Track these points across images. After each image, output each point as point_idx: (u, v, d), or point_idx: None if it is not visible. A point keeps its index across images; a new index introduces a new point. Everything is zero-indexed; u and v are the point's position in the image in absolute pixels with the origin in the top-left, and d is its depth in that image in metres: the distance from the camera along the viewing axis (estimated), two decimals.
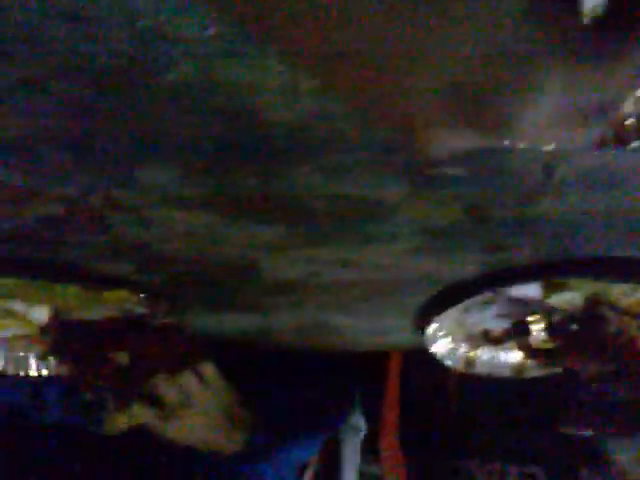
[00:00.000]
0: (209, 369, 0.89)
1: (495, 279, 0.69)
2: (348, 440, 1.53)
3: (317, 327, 0.86)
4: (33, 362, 0.87)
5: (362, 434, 1.54)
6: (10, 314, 0.73)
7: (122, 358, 0.84)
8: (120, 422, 0.99)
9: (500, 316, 0.89)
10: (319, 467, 1.41)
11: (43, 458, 1.05)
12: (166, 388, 0.87)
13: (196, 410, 0.90)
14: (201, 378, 0.89)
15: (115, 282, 0.68)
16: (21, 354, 0.86)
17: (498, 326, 0.91)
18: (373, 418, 1.38)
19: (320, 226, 0.58)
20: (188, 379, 0.88)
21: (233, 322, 0.83)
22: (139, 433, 1.00)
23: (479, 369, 0.97)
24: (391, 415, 1.27)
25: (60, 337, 0.81)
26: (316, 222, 0.56)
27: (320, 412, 1.14)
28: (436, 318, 0.82)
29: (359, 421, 1.56)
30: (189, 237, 0.59)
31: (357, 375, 1.16)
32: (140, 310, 0.77)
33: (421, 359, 1.20)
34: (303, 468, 1.27)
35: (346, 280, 0.73)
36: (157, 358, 0.86)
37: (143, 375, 0.87)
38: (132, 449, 1.06)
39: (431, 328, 0.85)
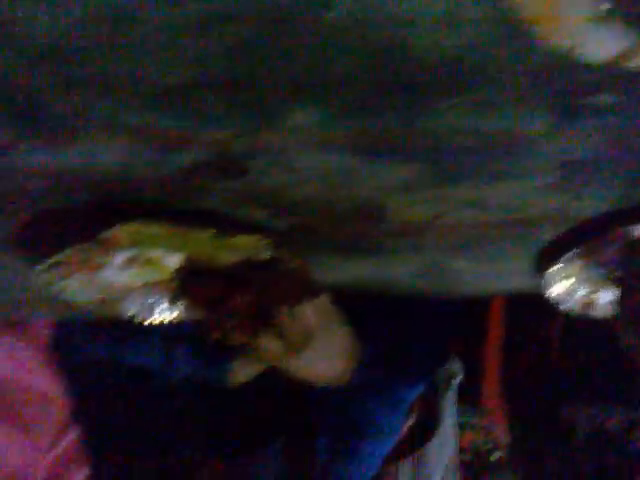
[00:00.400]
0: (327, 303, 0.91)
1: (631, 216, 0.67)
2: (444, 389, 1.54)
3: (436, 271, 0.86)
4: (164, 308, 0.92)
5: (457, 382, 1.55)
6: (148, 262, 0.77)
7: (248, 298, 0.87)
8: (246, 371, 1.03)
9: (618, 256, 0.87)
10: (416, 416, 1.43)
11: (172, 416, 1.11)
12: (289, 324, 0.89)
13: (316, 345, 0.92)
14: (320, 312, 0.90)
15: (247, 228, 0.70)
16: (152, 300, 0.91)
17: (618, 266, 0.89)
18: (473, 366, 1.38)
19: (454, 164, 0.57)
20: (308, 313, 0.89)
21: (353, 267, 0.84)
22: (261, 381, 1.04)
23: (596, 312, 0.95)
24: (492, 362, 1.27)
25: (190, 281, 0.84)
26: (452, 159, 0.56)
27: (425, 355, 1.15)
28: (560, 259, 0.81)
29: (455, 368, 1.56)
30: (323, 180, 0.60)
31: (460, 320, 1.16)
32: (267, 255, 0.79)
33: (526, 303, 1.18)
34: (409, 411, 1.29)
35: (471, 221, 0.73)
36: (281, 298, 0.89)
37: (268, 315, 0.89)
38: (255, 400, 1.11)
39: (553, 270, 0.83)
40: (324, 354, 0.94)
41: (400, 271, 0.86)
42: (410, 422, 1.40)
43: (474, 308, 1.18)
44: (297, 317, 0.88)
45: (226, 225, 0.69)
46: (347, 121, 0.48)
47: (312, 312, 0.89)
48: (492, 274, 0.88)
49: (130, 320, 0.90)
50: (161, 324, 0.92)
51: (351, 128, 0.50)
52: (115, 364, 1.06)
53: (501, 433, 1.29)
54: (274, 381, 0.99)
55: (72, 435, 1.58)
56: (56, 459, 1.74)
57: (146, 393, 1.09)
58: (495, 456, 2.20)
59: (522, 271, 0.87)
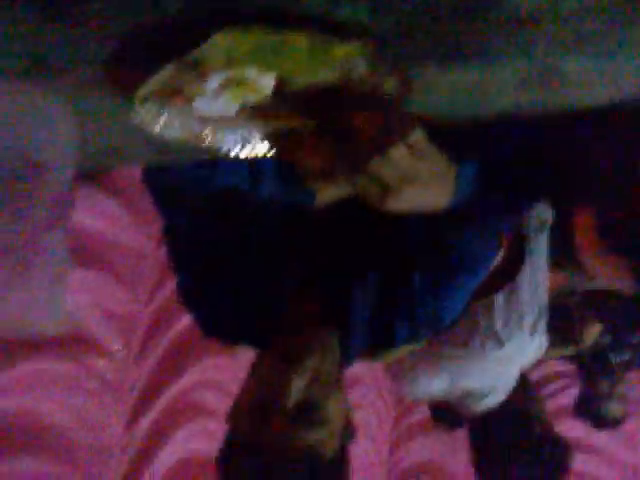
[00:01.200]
0: (420, 138, 0.87)
1: None
2: (536, 229, 1.51)
3: (543, 79, 0.80)
4: (256, 142, 0.90)
5: (547, 226, 1.51)
6: (243, 82, 0.73)
7: (339, 126, 0.84)
8: (330, 193, 1.00)
9: None
10: (506, 250, 1.41)
11: (260, 234, 1.12)
12: (384, 169, 0.85)
13: (413, 182, 0.89)
14: (413, 149, 0.87)
15: (346, 33, 0.65)
16: (245, 135, 0.89)
17: None
18: (566, 211, 1.32)
19: None
20: (401, 153, 0.86)
21: (454, 76, 0.79)
22: (355, 213, 1.02)
23: None
24: (586, 208, 1.20)
25: (283, 105, 0.81)
26: None
27: (518, 185, 1.10)
28: None
29: (545, 213, 1.52)
30: None
31: (555, 155, 1.10)
32: (363, 71, 0.75)
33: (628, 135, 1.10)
34: (499, 244, 1.26)
35: (586, 8, 0.66)
36: (371, 129, 0.85)
37: (358, 146, 0.86)
38: (350, 232, 1.10)
39: None
40: (423, 191, 0.91)
41: (504, 79, 0.80)
42: (500, 256, 1.39)
43: (570, 144, 1.11)
44: (392, 161, 0.84)
45: (324, 29, 0.64)
46: None
47: (407, 155, 0.84)
48: (603, 78, 0.81)
49: (224, 156, 0.89)
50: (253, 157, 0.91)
51: None
52: (205, 186, 1.05)
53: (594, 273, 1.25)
54: (369, 215, 0.97)
55: (169, 288, 1.65)
56: (156, 311, 1.84)
57: (237, 217, 1.09)
58: (575, 300, 2.19)
59: (635, 75, 0.80)
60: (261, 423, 0.95)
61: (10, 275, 0.66)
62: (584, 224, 1.14)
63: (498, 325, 1.50)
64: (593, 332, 2.02)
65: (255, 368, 1.05)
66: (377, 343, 1.15)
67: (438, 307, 1.13)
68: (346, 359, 1.08)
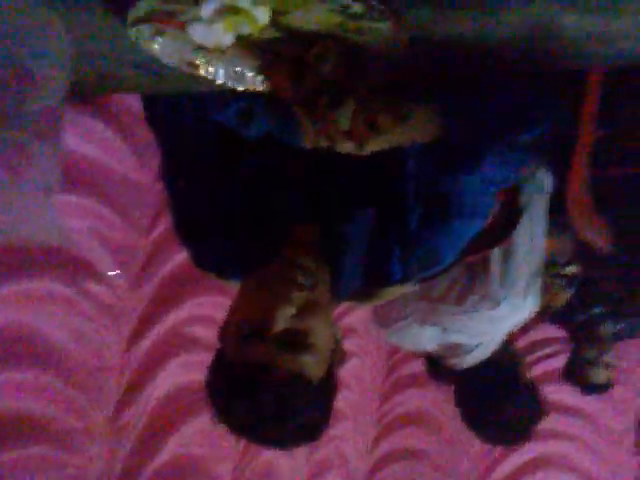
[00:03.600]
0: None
1: None
2: (530, 196, 1.51)
3: (542, 29, 0.79)
4: (250, 77, 0.90)
5: (547, 191, 1.51)
6: (237, 11, 0.74)
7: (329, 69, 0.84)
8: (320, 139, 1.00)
9: None
10: (501, 204, 1.41)
11: (251, 170, 1.12)
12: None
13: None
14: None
15: None
16: (238, 69, 0.89)
17: None
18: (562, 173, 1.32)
19: None
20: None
21: (455, 22, 0.78)
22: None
23: None
24: (582, 162, 1.20)
25: (278, 44, 0.81)
26: None
27: (515, 131, 1.09)
28: None
29: (546, 179, 1.51)
30: None
31: (551, 98, 1.08)
32: (359, 9, 0.75)
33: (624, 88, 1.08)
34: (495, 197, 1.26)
35: None
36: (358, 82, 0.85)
37: (346, 91, 0.86)
38: (348, 167, 1.10)
39: None
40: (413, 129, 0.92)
41: (504, 30, 0.80)
42: (496, 210, 1.39)
43: (567, 90, 1.09)
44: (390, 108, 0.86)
45: None
46: None
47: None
48: (603, 34, 0.80)
49: (219, 86, 0.89)
50: (246, 92, 0.91)
51: None
52: (200, 121, 1.06)
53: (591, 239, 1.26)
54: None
55: (167, 220, 1.66)
56: (155, 241, 1.86)
57: (226, 147, 1.09)
58: (570, 270, 2.20)
59: (635, 33, 0.79)
60: (248, 345, 0.96)
61: None
62: (576, 184, 1.15)
63: (494, 286, 1.52)
64: (562, 298, 2.06)
65: (244, 289, 1.06)
66: (371, 282, 1.16)
67: (433, 248, 1.14)
68: (337, 294, 1.09)
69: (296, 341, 0.97)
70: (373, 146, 0.90)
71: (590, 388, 2.36)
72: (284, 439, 1.01)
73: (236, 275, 1.14)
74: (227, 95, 0.96)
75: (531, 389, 1.67)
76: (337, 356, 1.05)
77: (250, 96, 0.96)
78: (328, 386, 1.02)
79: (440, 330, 1.62)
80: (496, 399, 1.65)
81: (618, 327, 2.26)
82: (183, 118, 1.07)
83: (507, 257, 1.51)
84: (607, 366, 2.27)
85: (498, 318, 1.58)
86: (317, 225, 1.09)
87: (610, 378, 2.31)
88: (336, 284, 1.08)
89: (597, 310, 2.19)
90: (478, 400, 1.69)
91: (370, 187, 1.06)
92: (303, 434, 1.01)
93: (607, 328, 2.23)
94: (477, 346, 1.64)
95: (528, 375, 1.70)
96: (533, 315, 1.64)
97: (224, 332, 1.04)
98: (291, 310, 0.97)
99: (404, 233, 1.10)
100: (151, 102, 1.11)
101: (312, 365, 0.99)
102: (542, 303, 1.70)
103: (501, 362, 1.66)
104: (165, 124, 1.12)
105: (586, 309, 2.21)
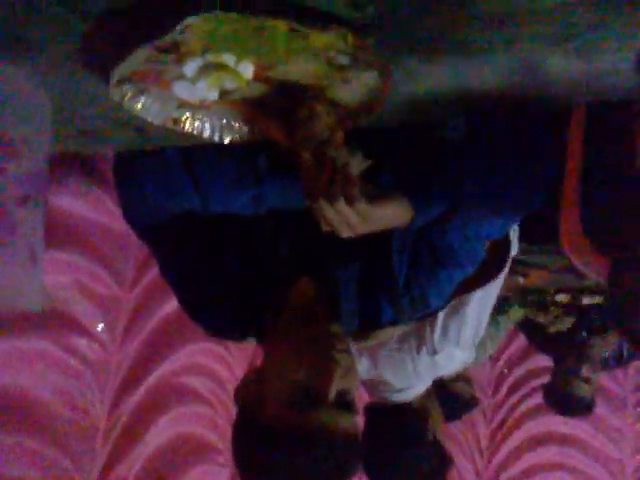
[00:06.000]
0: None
1: None
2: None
3: (527, 71, 0.79)
4: (235, 126, 0.89)
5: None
6: (221, 67, 0.73)
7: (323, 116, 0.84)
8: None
9: None
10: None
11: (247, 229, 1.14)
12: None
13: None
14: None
15: (326, 19, 0.65)
16: (224, 121, 0.88)
17: None
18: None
19: None
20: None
21: (436, 70, 0.78)
22: None
23: None
24: (572, 190, 1.20)
25: (263, 99, 0.81)
26: None
27: (510, 194, 1.11)
28: None
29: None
30: None
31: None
32: (344, 61, 0.74)
33: (607, 121, 1.09)
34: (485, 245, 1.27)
35: (569, 3, 0.66)
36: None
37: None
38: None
39: None
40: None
41: (487, 76, 0.80)
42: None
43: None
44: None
45: (305, 17, 0.64)
46: None
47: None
48: (590, 73, 0.81)
49: (205, 140, 0.88)
50: (235, 144, 0.90)
51: None
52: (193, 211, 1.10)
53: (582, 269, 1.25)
54: None
55: (153, 272, 1.65)
56: (140, 293, 1.84)
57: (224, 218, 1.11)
58: (560, 298, 2.21)
59: (620, 69, 0.80)
60: (306, 413, 0.99)
61: None
62: (569, 221, 1.15)
63: (436, 334, 1.51)
64: (565, 322, 2.06)
65: (279, 355, 1.07)
66: (365, 325, 1.20)
67: (424, 292, 1.18)
68: None
69: (346, 402, 1.02)
70: (363, 230, 0.95)
71: (571, 403, 2.32)
72: None
73: (238, 332, 1.18)
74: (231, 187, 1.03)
75: (436, 446, 1.62)
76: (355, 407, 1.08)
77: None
78: (357, 436, 1.07)
79: (372, 363, 1.59)
80: (398, 448, 1.60)
81: (608, 352, 2.25)
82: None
83: (455, 309, 1.50)
84: (587, 380, 2.25)
85: (433, 365, 1.57)
86: (309, 277, 1.11)
87: (592, 394, 2.28)
88: None
89: (592, 335, 2.20)
90: (382, 444, 1.62)
91: (358, 240, 1.06)
92: None
93: (597, 350, 2.22)
94: (404, 389, 1.62)
95: (437, 430, 1.66)
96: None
97: (256, 399, 1.05)
98: (340, 372, 1.01)
99: (392, 282, 1.15)
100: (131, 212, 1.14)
101: (355, 421, 1.04)
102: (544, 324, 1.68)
103: (415, 411, 1.62)
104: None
105: (581, 333, 2.21)
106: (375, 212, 0.94)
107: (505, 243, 1.51)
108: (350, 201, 0.89)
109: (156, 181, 1.08)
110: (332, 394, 0.99)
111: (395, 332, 1.47)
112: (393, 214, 1.00)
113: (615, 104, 0.95)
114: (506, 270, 1.53)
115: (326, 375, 1.00)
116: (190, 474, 2.11)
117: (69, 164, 1.46)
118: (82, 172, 1.50)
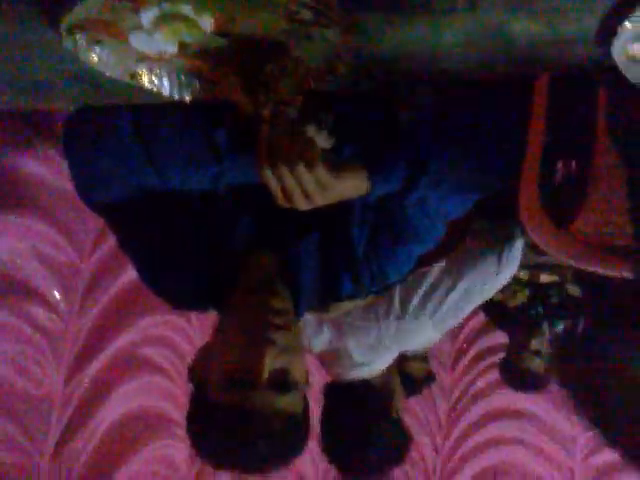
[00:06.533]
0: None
1: None
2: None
3: (491, 36, 0.78)
4: (195, 85, 0.86)
5: None
6: (179, 18, 0.70)
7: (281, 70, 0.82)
8: None
9: None
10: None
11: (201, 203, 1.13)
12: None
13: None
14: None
15: None
16: (183, 78, 0.86)
17: None
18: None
19: None
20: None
21: (400, 31, 0.77)
22: None
23: None
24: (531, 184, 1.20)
25: (225, 53, 0.79)
26: None
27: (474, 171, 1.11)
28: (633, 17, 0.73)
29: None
30: None
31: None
32: (307, 15, 0.72)
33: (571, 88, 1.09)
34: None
35: None
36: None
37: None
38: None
39: (624, 32, 0.75)
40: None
41: (451, 38, 0.79)
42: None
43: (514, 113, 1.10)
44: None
45: None
46: None
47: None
48: (553, 39, 0.80)
49: (161, 95, 0.85)
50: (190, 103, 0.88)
51: None
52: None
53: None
54: None
55: (113, 240, 1.61)
56: (98, 262, 1.80)
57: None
58: (520, 275, 2.24)
59: (586, 39, 0.79)
60: (240, 392, 0.98)
61: None
62: (527, 200, 1.15)
63: (395, 299, 1.52)
64: (518, 298, 2.10)
65: (222, 334, 1.06)
66: (325, 298, 1.21)
67: (382, 266, 1.18)
68: (297, 312, 1.11)
69: (283, 381, 1.00)
70: (320, 201, 0.94)
71: (524, 378, 2.35)
72: (276, 468, 1.04)
73: (201, 305, 1.17)
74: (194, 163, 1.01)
75: (399, 423, 1.62)
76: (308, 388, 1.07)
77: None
78: (306, 418, 1.05)
79: (335, 332, 1.57)
80: (361, 428, 1.59)
81: (561, 326, 2.28)
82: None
83: (418, 276, 1.51)
84: (537, 353, 2.28)
85: (401, 333, 1.55)
86: (269, 250, 1.11)
87: (544, 369, 2.31)
88: (296, 303, 1.10)
89: (547, 309, 2.23)
90: (343, 425, 1.61)
91: (318, 213, 1.05)
92: (289, 461, 1.05)
93: (549, 325, 2.26)
94: (366, 363, 1.60)
95: (399, 408, 1.65)
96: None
97: (203, 375, 1.04)
98: (274, 351, 0.99)
99: (351, 257, 1.15)
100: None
101: (297, 401, 1.03)
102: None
103: (378, 390, 1.61)
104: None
105: (537, 307, 2.24)
106: (333, 181, 0.93)
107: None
108: (310, 165, 0.88)
109: (107, 152, 1.05)
110: (264, 374, 0.97)
111: (357, 303, 1.47)
112: (352, 184, 0.99)
113: (579, 76, 0.95)
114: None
115: (256, 355, 0.97)
116: (148, 447, 2.09)
117: (30, 127, 1.42)
118: (42, 134, 1.45)
